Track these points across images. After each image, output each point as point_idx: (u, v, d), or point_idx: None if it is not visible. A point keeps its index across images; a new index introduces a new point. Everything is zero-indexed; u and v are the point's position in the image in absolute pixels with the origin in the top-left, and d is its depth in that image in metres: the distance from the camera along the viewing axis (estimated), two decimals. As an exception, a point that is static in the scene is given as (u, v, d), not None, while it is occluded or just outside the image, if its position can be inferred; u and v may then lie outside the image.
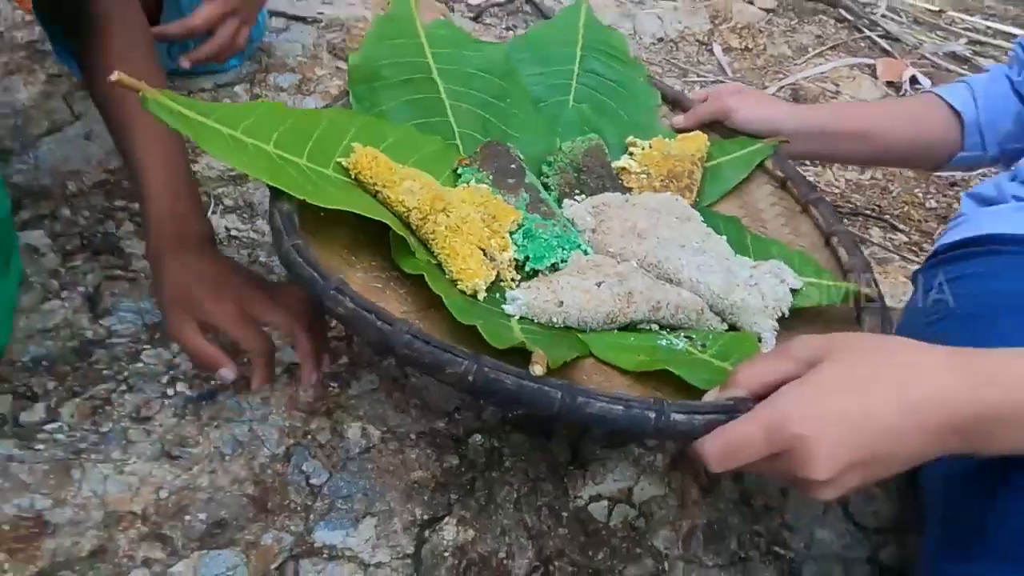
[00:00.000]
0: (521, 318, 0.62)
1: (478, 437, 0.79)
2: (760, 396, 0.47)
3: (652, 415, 0.48)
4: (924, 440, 0.43)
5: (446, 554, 0.71)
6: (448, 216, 0.63)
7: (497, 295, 0.64)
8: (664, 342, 0.63)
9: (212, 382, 0.79)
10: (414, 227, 0.65)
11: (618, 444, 0.81)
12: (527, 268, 0.67)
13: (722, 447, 0.46)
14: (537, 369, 0.50)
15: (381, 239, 0.64)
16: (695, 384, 0.56)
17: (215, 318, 0.67)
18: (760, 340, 0.66)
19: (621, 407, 0.49)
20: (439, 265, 0.64)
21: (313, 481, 0.74)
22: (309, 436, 0.77)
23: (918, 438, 0.43)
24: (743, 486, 0.80)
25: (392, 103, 0.76)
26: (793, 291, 0.68)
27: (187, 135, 0.56)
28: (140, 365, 0.81)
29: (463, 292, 0.62)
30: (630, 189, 0.79)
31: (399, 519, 0.72)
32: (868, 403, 0.43)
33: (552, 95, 0.87)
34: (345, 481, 0.74)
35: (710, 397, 0.52)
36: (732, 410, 0.48)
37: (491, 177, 0.72)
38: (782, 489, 0.80)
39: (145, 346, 0.83)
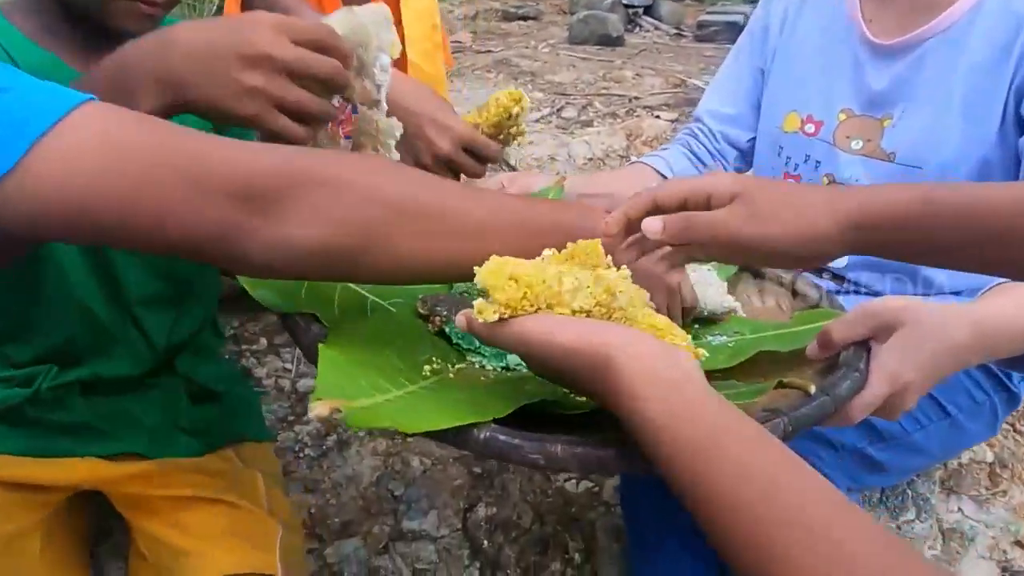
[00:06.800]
0: None
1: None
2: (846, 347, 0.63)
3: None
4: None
5: (481, 523, 1.18)
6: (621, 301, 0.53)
7: None
8: (713, 340, 0.73)
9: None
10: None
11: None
12: None
13: (863, 409, 0.61)
14: None
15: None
16: (784, 350, 0.67)
17: None
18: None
19: (815, 403, 0.56)
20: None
21: (396, 493, 1.22)
22: (389, 467, 1.26)
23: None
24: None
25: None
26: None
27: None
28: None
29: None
30: None
31: (451, 508, 1.20)
32: (939, 354, 0.63)
33: None
34: (416, 490, 1.22)
35: (812, 351, 0.64)
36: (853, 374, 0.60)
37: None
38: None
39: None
